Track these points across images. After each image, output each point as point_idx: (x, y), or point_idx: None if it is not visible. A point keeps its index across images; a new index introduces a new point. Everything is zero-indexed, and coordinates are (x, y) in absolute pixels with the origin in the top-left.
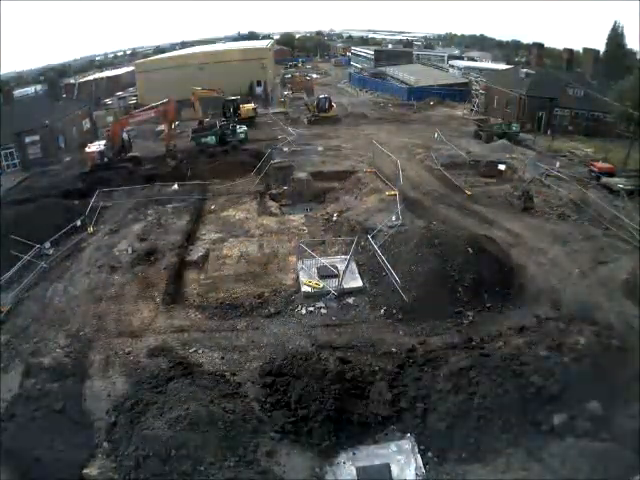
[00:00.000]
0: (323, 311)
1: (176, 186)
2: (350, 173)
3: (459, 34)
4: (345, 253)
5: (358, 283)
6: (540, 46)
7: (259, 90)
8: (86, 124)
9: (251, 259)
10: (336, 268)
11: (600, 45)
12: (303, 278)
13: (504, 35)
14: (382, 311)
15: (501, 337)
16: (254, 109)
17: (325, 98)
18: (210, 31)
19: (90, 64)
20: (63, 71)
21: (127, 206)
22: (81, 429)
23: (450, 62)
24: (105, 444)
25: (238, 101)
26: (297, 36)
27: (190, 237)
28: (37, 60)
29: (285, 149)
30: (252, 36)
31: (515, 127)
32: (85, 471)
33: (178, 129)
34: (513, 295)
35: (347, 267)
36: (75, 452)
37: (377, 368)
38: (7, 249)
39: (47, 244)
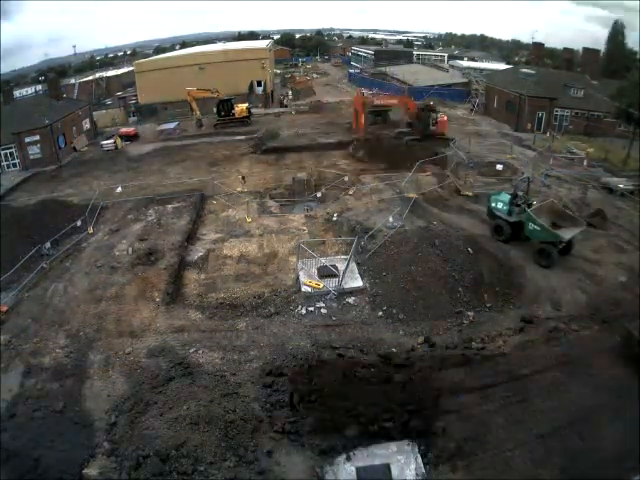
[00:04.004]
0: (323, 311)
1: None
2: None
3: (459, 34)
4: (345, 253)
5: (358, 283)
6: (540, 46)
7: (259, 90)
8: (86, 124)
9: (251, 259)
10: (336, 268)
11: (600, 45)
12: (303, 278)
13: (504, 35)
14: (382, 311)
15: (501, 337)
16: (248, 109)
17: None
18: (210, 31)
19: (90, 64)
20: (63, 71)
21: (127, 206)
22: (81, 429)
23: (450, 62)
24: (105, 444)
25: (232, 101)
26: (297, 36)
27: (190, 237)
28: (37, 58)
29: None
30: (252, 36)
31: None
32: (85, 471)
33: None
34: (513, 295)
35: (347, 267)
36: (75, 452)
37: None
38: (7, 249)
39: (47, 244)
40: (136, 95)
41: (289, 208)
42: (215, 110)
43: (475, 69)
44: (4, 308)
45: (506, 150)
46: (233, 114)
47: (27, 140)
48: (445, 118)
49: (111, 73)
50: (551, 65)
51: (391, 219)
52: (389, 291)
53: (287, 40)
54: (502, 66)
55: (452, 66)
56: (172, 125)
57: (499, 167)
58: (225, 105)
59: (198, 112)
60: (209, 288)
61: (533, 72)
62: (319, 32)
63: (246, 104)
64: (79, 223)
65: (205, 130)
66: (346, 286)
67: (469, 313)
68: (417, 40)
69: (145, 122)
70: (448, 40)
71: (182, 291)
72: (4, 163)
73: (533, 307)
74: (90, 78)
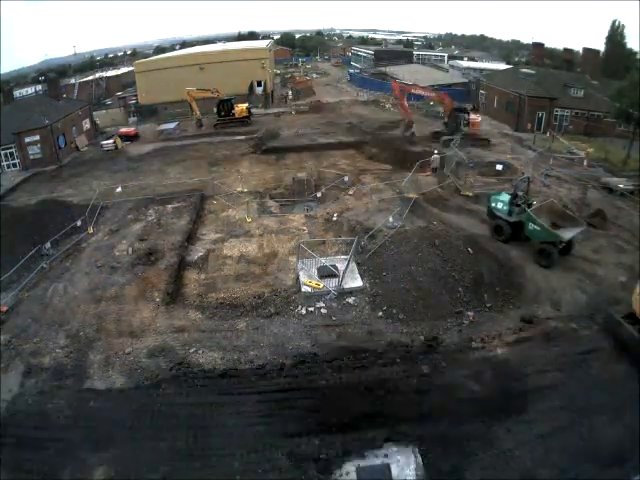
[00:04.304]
0: (323, 311)
1: None
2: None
3: (459, 34)
4: (345, 253)
5: (358, 283)
6: (540, 46)
7: (259, 90)
8: (86, 124)
9: (251, 259)
10: (336, 268)
11: (600, 45)
12: (303, 278)
13: (504, 35)
14: (382, 311)
15: (501, 337)
16: (248, 109)
17: None
18: (210, 31)
19: (90, 64)
20: (63, 71)
21: (127, 206)
22: None
23: (450, 62)
24: None
25: (232, 101)
26: (297, 36)
27: (190, 237)
28: (37, 58)
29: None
30: (252, 36)
31: None
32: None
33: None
34: (513, 295)
35: (347, 267)
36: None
37: None
38: (7, 249)
39: (47, 244)
40: (136, 95)
41: (289, 208)
42: (215, 110)
43: (475, 69)
44: (4, 308)
45: (506, 150)
46: (233, 114)
47: (27, 140)
48: (478, 118)
49: (111, 73)
50: (551, 65)
51: (391, 219)
52: (389, 291)
53: (287, 40)
54: (502, 66)
55: (452, 66)
56: (172, 125)
57: (499, 167)
58: (225, 105)
59: (198, 112)
60: (209, 288)
61: (533, 72)
62: (319, 32)
63: (246, 104)
64: (79, 223)
65: (205, 130)
66: (346, 286)
67: (469, 313)
68: (417, 40)
69: (145, 122)
70: (448, 40)
71: (182, 291)
72: (4, 163)
73: (533, 307)
74: (90, 78)
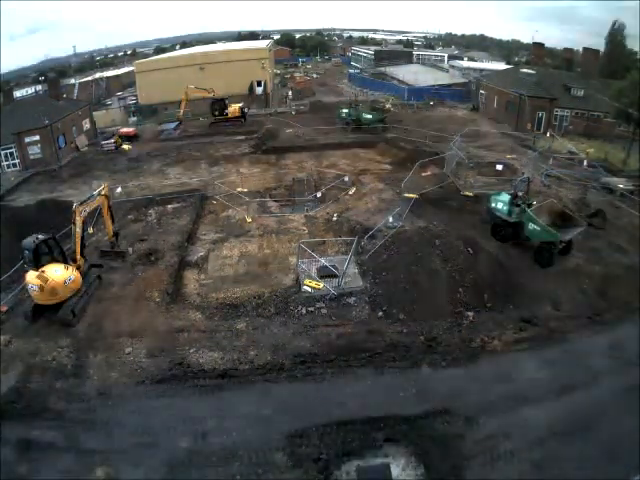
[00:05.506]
0: (323, 311)
1: None
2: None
3: (459, 34)
4: (345, 253)
5: (358, 283)
6: (540, 46)
7: (259, 90)
8: (86, 124)
9: (251, 259)
10: (336, 268)
11: (600, 45)
12: (303, 278)
13: (504, 35)
14: (382, 311)
15: (501, 337)
16: (241, 109)
17: None
18: (210, 31)
19: (90, 64)
20: (63, 71)
21: (127, 206)
22: None
23: (450, 62)
24: None
25: (226, 101)
26: (297, 36)
27: (190, 237)
28: (37, 59)
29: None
30: (252, 36)
31: None
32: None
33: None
34: (513, 295)
35: (347, 267)
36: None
37: None
38: (7, 249)
39: None
40: (136, 95)
41: (289, 208)
42: (210, 110)
43: (475, 69)
44: (4, 308)
45: (506, 150)
46: (227, 114)
47: (27, 140)
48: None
49: (111, 73)
50: (551, 65)
51: (391, 219)
52: (389, 291)
53: (287, 40)
54: (502, 66)
55: (452, 66)
56: (172, 125)
57: (499, 167)
58: (218, 105)
59: (182, 112)
60: (209, 288)
61: (533, 72)
62: (319, 32)
63: (240, 104)
64: None
65: (203, 130)
66: (346, 286)
67: (469, 313)
68: (417, 40)
69: (145, 122)
70: (448, 40)
71: (182, 291)
72: (4, 163)
73: (533, 307)
74: (90, 78)
